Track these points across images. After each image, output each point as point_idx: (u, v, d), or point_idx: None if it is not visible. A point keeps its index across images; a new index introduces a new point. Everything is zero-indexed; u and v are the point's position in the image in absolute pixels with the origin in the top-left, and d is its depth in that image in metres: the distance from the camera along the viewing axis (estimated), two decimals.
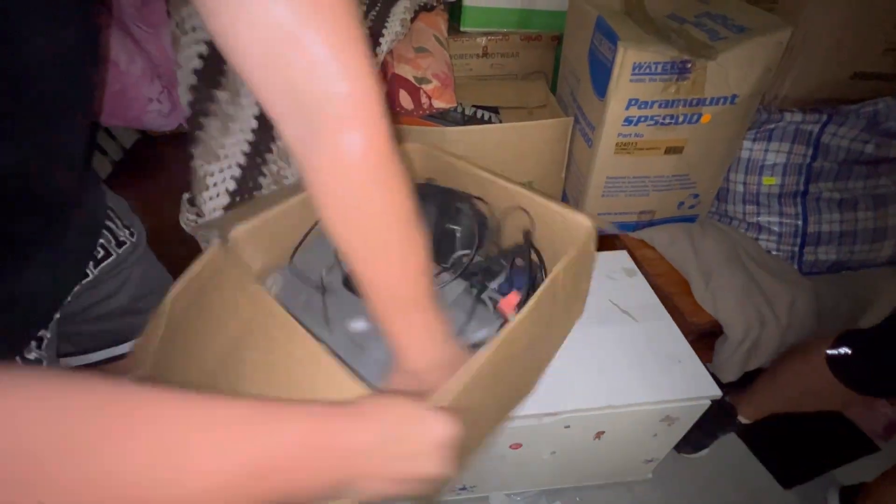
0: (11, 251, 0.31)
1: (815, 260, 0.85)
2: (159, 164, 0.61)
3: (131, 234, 0.51)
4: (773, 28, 0.69)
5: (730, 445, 0.94)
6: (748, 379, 0.88)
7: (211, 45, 0.63)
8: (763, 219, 0.87)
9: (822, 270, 0.86)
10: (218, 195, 0.68)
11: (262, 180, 0.72)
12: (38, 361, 0.36)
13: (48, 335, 0.39)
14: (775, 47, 0.69)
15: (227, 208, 0.69)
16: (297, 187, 0.59)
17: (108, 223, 0.48)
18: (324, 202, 0.32)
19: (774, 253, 0.87)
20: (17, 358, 0.36)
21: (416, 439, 0.28)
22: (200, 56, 0.63)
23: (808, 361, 0.73)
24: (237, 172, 0.69)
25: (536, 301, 0.42)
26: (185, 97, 0.65)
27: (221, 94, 0.66)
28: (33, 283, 0.34)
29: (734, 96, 0.74)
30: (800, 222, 0.84)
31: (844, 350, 0.69)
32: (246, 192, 0.70)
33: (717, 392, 0.67)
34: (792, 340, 0.81)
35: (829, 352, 0.70)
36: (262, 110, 0.70)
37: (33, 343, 0.38)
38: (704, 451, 0.91)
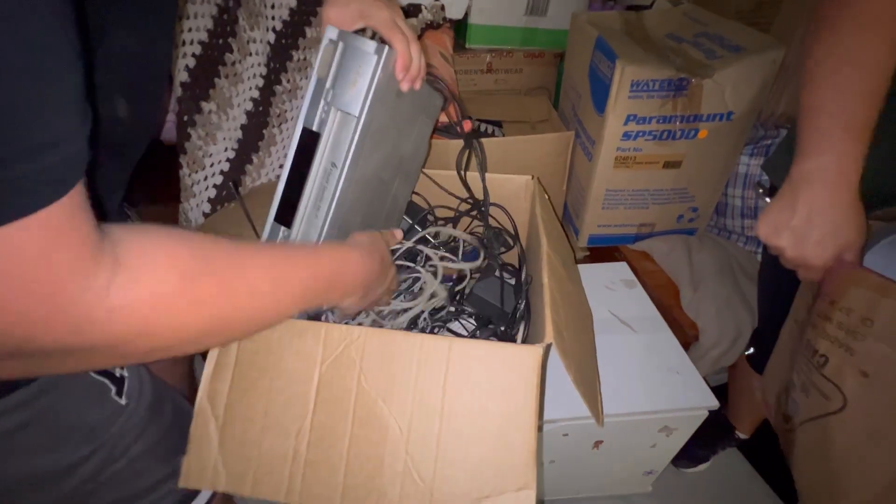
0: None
1: None
2: (175, 173, 0.64)
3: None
4: (768, 48, 0.72)
5: (731, 461, 0.94)
6: None
7: (198, 57, 0.66)
8: None
9: None
10: (199, 204, 0.71)
11: (239, 190, 0.75)
12: (124, 379, 0.39)
13: None
14: (770, 66, 0.71)
15: (207, 216, 0.71)
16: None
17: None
18: None
19: None
20: None
21: (384, 265, 0.44)
22: (187, 68, 0.66)
23: (741, 366, 0.77)
24: (219, 180, 0.72)
25: None
26: (174, 107, 0.68)
27: (207, 105, 0.69)
28: None
29: (730, 113, 0.76)
30: None
31: (751, 349, 0.74)
32: (223, 201, 0.73)
33: (714, 403, 0.67)
34: None
35: (745, 353, 0.75)
36: (249, 120, 0.73)
37: None
38: (704, 466, 0.91)
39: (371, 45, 0.38)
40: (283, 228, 0.44)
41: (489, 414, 0.37)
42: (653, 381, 0.70)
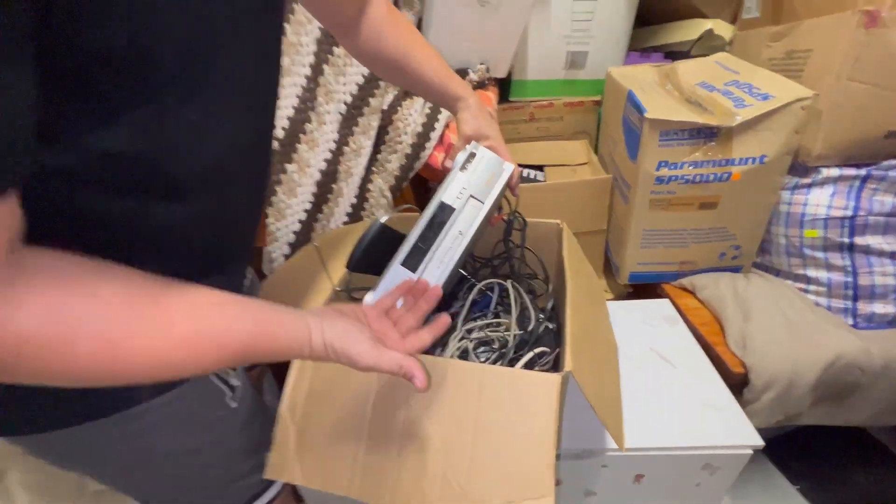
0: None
1: (871, 314, 0.83)
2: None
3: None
4: (797, 95, 0.75)
5: None
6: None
7: (286, 129, 0.82)
8: (811, 272, 0.87)
9: (881, 325, 0.83)
10: (280, 247, 0.85)
11: (312, 234, 0.88)
12: (236, 387, 0.49)
13: None
14: (798, 113, 0.74)
15: (287, 257, 0.85)
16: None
17: None
18: (385, 37, 0.54)
19: (825, 306, 0.86)
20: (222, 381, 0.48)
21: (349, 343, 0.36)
22: (277, 139, 0.81)
23: None
24: (297, 227, 0.86)
25: None
26: None
27: (290, 167, 0.84)
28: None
29: (763, 157, 0.78)
30: (850, 275, 0.83)
31: None
32: (301, 244, 0.86)
33: (758, 442, 0.67)
34: (831, 396, 0.79)
35: None
36: (322, 177, 0.87)
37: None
38: None
39: (509, 164, 0.58)
40: (406, 271, 0.54)
41: (515, 431, 0.43)
42: (694, 418, 0.71)
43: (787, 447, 0.98)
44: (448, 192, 0.54)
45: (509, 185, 0.59)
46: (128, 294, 0.27)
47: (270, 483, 0.53)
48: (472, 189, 0.54)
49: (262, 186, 0.47)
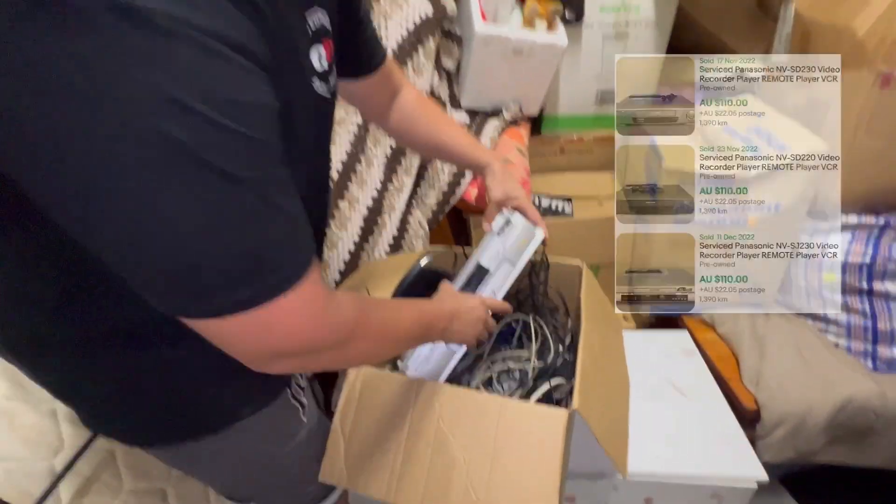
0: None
1: (891, 358, 0.85)
2: None
3: None
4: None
5: None
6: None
7: (340, 172, 0.94)
8: (830, 314, 0.90)
9: None
10: (331, 274, 0.96)
11: (359, 262, 0.99)
12: (306, 405, 0.60)
13: None
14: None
15: (338, 284, 0.96)
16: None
17: None
18: (416, 121, 0.62)
19: (844, 348, 0.89)
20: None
21: (469, 312, 0.58)
22: (331, 179, 0.93)
23: None
24: (347, 257, 0.97)
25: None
26: None
27: (343, 203, 0.95)
28: None
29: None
30: (869, 319, 0.85)
31: None
32: (350, 270, 0.97)
33: (763, 476, 0.71)
34: (846, 437, 0.81)
35: None
36: (369, 212, 0.98)
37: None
38: None
39: (539, 231, 0.64)
40: None
41: (527, 456, 0.52)
42: (702, 449, 0.75)
43: (810, 483, 1.00)
44: (485, 256, 0.63)
45: (544, 247, 0.67)
46: (393, 305, 0.50)
47: (332, 489, 0.64)
48: (506, 253, 0.62)
49: (322, 224, 0.58)
